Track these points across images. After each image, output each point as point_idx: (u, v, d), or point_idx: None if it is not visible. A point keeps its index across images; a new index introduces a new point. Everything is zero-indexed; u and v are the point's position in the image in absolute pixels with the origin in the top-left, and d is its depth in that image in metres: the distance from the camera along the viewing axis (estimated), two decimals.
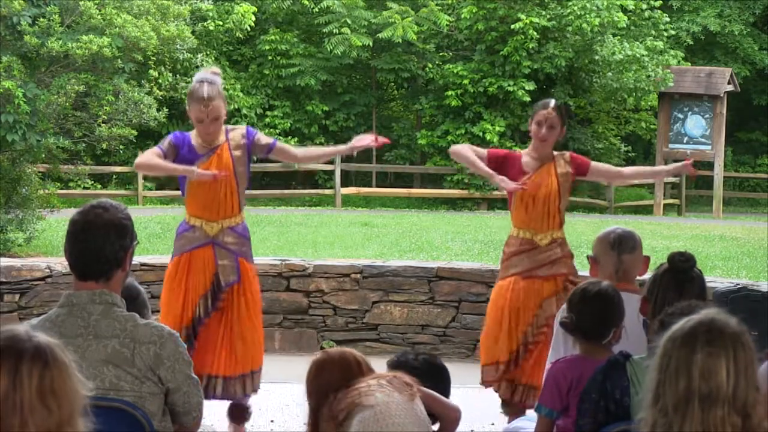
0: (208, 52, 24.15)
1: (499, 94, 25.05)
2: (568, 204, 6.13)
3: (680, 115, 25.22)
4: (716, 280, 8.70)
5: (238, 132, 5.80)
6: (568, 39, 25.14)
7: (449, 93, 25.30)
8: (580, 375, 3.79)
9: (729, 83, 25.07)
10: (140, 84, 16.24)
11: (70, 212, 3.62)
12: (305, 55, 25.88)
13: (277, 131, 25.51)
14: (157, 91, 18.49)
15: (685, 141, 25.20)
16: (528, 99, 24.68)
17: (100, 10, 14.98)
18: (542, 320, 5.83)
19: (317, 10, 25.91)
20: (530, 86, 24.69)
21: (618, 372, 3.46)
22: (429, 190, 25.70)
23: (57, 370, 2.19)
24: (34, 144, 13.48)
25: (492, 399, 6.15)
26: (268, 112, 25.87)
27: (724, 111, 25.13)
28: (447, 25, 26.08)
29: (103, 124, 14.38)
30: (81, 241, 3.33)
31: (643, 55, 24.72)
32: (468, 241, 15.49)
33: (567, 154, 6.08)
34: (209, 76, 5.73)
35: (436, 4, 26.09)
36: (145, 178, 23.07)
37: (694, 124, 25.10)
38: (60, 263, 8.45)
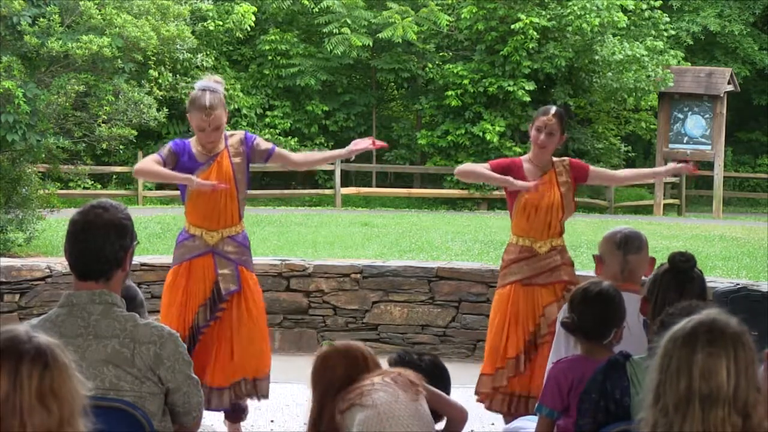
0: (208, 52, 24.15)
1: (499, 94, 25.05)
2: (573, 212, 6.10)
3: (680, 115, 25.22)
4: (716, 280, 8.70)
5: (236, 138, 5.79)
6: (568, 39, 25.14)
7: (449, 93, 25.30)
8: (581, 375, 3.79)
9: (729, 83, 25.07)
10: (140, 84, 16.24)
11: (70, 212, 3.62)
12: (305, 55, 25.88)
13: (277, 131, 25.52)
14: (157, 91, 18.50)
15: (685, 141, 25.19)
16: (528, 99, 24.69)
17: (100, 10, 14.98)
18: (545, 328, 5.83)
19: (317, 10, 25.92)
20: (530, 86, 24.69)
21: (618, 372, 3.46)
22: (429, 190, 25.70)
23: (57, 371, 2.19)
24: (34, 144, 13.48)
25: None
26: (268, 112, 25.88)
27: (724, 111, 25.13)
28: (447, 25, 26.08)
29: (103, 124, 14.37)
30: (81, 241, 3.33)
31: (643, 55, 24.72)
32: (468, 241, 15.49)
33: (566, 160, 6.08)
34: (212, 85, 5.72)
35: (436, 4, 26.09)
36: None
37: (694, 124, 25.10)
38: (60, 263, 8.45)
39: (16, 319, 8.08)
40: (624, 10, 25.32)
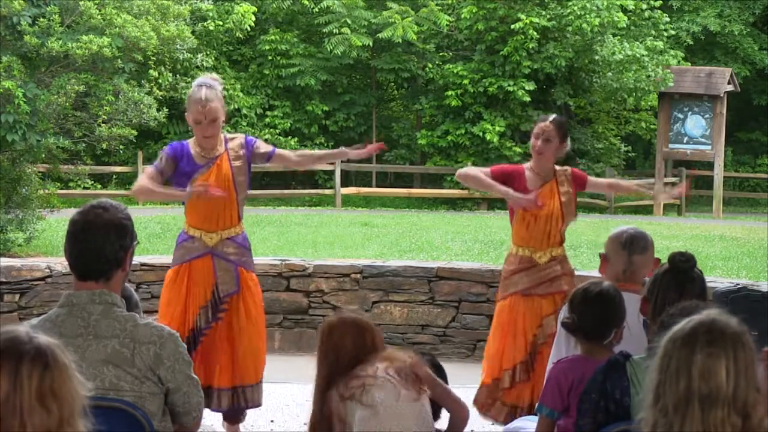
0: (208, 52, 24.15)
1: (499, 94, 25.05)
2: (574, 221, 6.05)
3: (680, 115, 25.22)
4: (716, 280, 8.69)
5: (237, 141, 5.79)
6: (568, 39, 25.14)
7: (449, 93, 25.30)
8: (582, 375, 3.79)
9: (729, 83, 25.06)
10: (140, 84, 16.24)
11: (70, 212, 3.62)
12: (305, 55, 25.89)
13: (277, 131, 25.53)
14: (157, 91, 18.49)
15: (685, 141, 25.19)
16: (528, 99, 24.69)
17: (100, 10, 14.98)
18: (541, 339, 5.83)
19: (317, 10, 25.92)
20: (530, 86, 24.69)
21: (618, 372, 3.46)
22: (429, 190, 25.70)
23: (57, 372, 2.19)
24: (34, 144, 13.48)
25: None
26: (268, 112, 25.88)
27: (724, 111, 25.13)
28: (447, 25, 26.08)
29: (103, 124, 14.38)
30: (81, 241, 3.33)
31: (643, 55, 24.71)
32: (468, 241, 15.49)
33: (569, 170, 6.05)
34: (208, 81, 5.77)
35: (436, 4, 26.09)
36: None
37: (694, 124, 25.09)
38: (60, 263, 8.45)
39: (16, 319, 8.08)
40: (624, 10, 25.32)
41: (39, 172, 14.68)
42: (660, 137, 25.50)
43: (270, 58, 25.97)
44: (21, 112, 13.28)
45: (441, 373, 4.16)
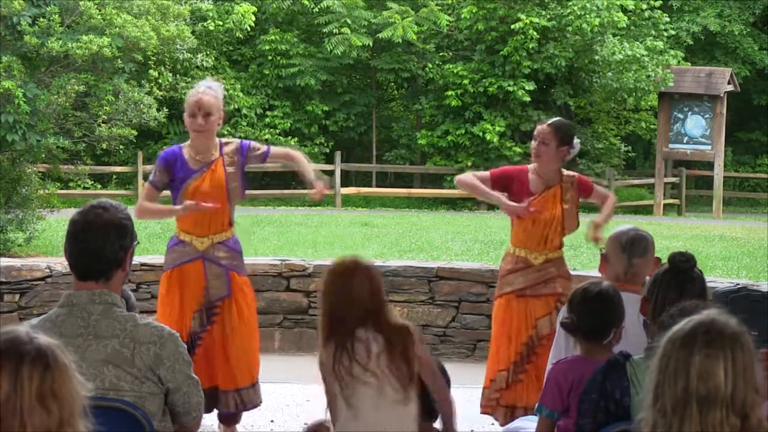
0: (208, 52, 24.15)
1: (499, 94, 25.05)
2: (574, 226, 5.96)
3: (680, 115, 25.22)
4: (716, 280, 8.69)
5: (232, 147, 5.78)
6: (568, 39, 25.14)
7: (449, 93, 25.30)
8: (581, 376, 3.79)
9: (729, 83, 25.07)
10: (140, 84, 16.24)
11: (70, 212, 3.62)
12: (305, 55, 25.88)
13: (277, 131, 25.53)
14: (157, 91, 18.50)
15: (685, 141, 25.19)
16: (528, 99, 24.69)
17: (100, 10, 14.98)
18: (536, 341, 5.83)
19: (317, 10, 25.92)
20: (530, 86, 24.69)
21: (618, 372, 3.46)
22: (429, 190, 25.70)
23: (58, 372, 2.19)
24: (34, 144, 13.48)
25: None
26: (268, 112, 25.87)
27: (724, 111, 25.13)
28: (447, 25, 26.08)
29: (103, 124, 14.37)
30: (81, 241, 3.33)
31: (643, 55, 24.71)
32: (468, 241, 15.49)
33: (575, 177, 5.99)
34: (209, 82, 5.82)
35: (436, 4, 26.09)
36: (145, 178, 23.07)
37: (694, 124, 25.10)
38: (60, 263, 8.45)
39: (16, 319, 8.08)
40: (624, 10, 25.32)
41: (39, 172, 14.68)
42: (660, 137, 25.51)
43: (270, 58, 25.97)
44: (21, 112, 13.28)
45: (443, 375, 4.14)
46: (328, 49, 25.38)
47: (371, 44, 25.74)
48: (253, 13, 25.07)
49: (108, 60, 14.69)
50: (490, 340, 6.12)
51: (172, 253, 5.78)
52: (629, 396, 3.41)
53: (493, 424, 6.25)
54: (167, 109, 16.96)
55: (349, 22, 25.48)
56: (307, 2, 25.78)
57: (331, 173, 24.88)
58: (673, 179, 26.24)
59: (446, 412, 3.90)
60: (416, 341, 3.73)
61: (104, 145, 15.06)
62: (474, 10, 25.19)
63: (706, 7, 29.69)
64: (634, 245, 4.61)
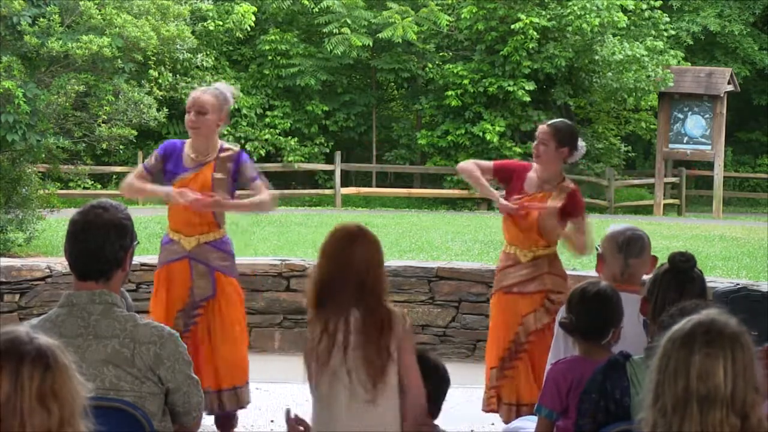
0: (208, 52, 24.14)
1: (499, 94, 25.05)
2: (557, 234, 5.82)
3: (680, 115, 25.22)
4: (716, 280, 8.69)
5: (228, 153, 5.73)
6: (568, 39, 25.14)
7: (449, 93, 25.29)
8: (581, 376, 3.79)
9: (729, 83, 25.07)
10: (140, 84, 16.24)
11: (70, 212, 3.62)
12: (305, 55, 25.88)
13: (277, 131, 25.53)
14: (157, 91, 18.49)
15: (685, 141, 25.19)
16: (528, 99, 24.69)
17: (100, 10, 14.97)
18: (522, 338, 5.83)
19: (317, 10, 25.91)
20: (530, 86, 24.69)
21: (618, 372, 3.46)
22: (429, 190, 25.69)
23: (58, 372, 2.19)
24: (34, 144, 13.48)
25: None
26: (268, 112, 25.87)
27: (724, 111, 25.13)
28: (447, 25, 26.08)
29: (103, 124, 14.37)
30: (81, 241, 3.33)
31: (643, 55, 24.71)
32: (468, 241, 15.49)
33: (570, 188, 5.87)
34: (219, 84, 5.91)
35: (436, 4, 26.09)
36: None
37: (694, 124, 25.10)
38: (60, 263, 8.44)
39: (16, 319, 8.08)
40: (624, 10, 25.32)
41: (39, 172, 14.67)
42: (660, 137, 25.51)
43: (270, 58, 25.97)
44: (21, 112, 13.27)
45: (432, 370, 4.06)
46: (328, 49, 25.38)
47: (371, 44, 25.73)
48: (253, 13, 25.07)
49: (108, 60, 14.68)
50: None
51: (163, 252, 5.83)
52: (629, 396, 3.41)
53: (493, 424, 6.26)
54: (167, 109, 16.95)
55: (349, 22, 25.48)
56: (307, 2, 25.78)
57: (331, 173, 24.90)
58: (673, 179, 26.24)
59: (413, 412, 3.68)
60: (400, 330, 3.58)
61: (104, 145, 15.05)
62: (474, 10, 25.19)
63: (706, 7, 29.69)
64: (630, 246, 4.60)
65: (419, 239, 15.44)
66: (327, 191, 24.73)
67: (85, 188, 20.35)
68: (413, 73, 26.69)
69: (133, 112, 14.66)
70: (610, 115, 27.93)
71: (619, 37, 25.41)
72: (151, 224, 16.52)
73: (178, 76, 22.79)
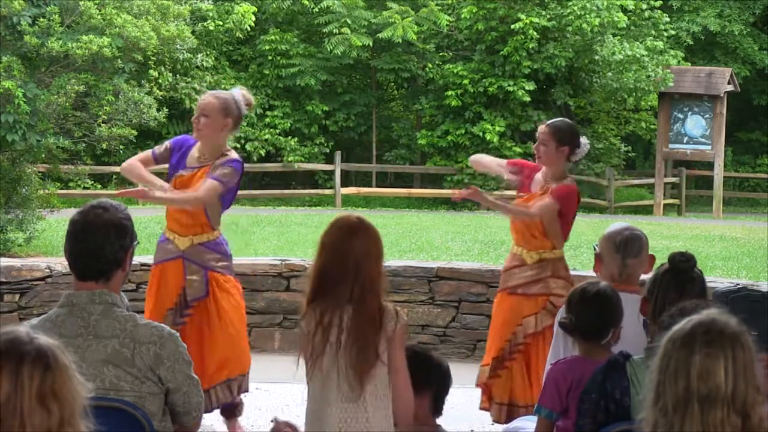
0: (208, 52, 24.14)
1: (499, 94, 25.04)
2: (559, 232, 5.84)
3: (680, 115, 25.21)
4: (716, 280, 8.69)
5: (224, 159, 5.71)
6: (568, 39, 25.14)
7: (449, 93, 25.29)
8: (580, 376, 3.79)
9: (729, 83, 25.06)
10: (140, 84, 16.23)
11: (70, 212, 3.62)
12: (305, 55, 25.88)
13: (277, 131, 25.52)
14: (157, 91, 18.49)
15: (685, 141, 25.19)
16: (528, 99, 24.68)
17: (100, 10, 14.97)
18: (519, 338, 5.84)
19: (317, 10, 25.91)
20: (530, 86, 24.68)
21: (618, 372, 3.46)
22: (429, 190, 25.69)
23: (58, 372, 2.19)
24: (34, 144, 13.47)
25: None
26: (268, 112, 25.87)
27: (724, 111, 25.12)
28: (447, 25, 26.07)
29: (103, 124, 14.36)
30: (81, 241, 3.33)
31: (643, 55, 24.71)
32: (468, 241, 15.49)
33: (566, 182, 5.87)
34: (236, 89, 5.90)
35: (436, 4, 26.08)
36: None
37: (694, 124, 25.09)
38: (60, 263, 8.45)
39: (16, 319, 8.08)
40: (624, 10, 25.31)
41: (39, 172, 14.66)
42: (660, 137, 25.50)
43: (270, 58, 25.96)
44: (21, 112, 13.27)
45: (429, 365, 4.04)
46: (328, 49, 25.37)
47: (371, 44, 25.73)
48: (253, 13, 25.06)
49: (108, 60, 14.67)
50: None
51: (158, 250, 5.86)
52: (629, 396, 3.41)
53: (493, 424, 6.26)
54: (167, 109, 16.95)
55: (349, 22, 25.48)
56: (307, 2, 25.77)
57: (331, 173, 24.89)
58: (673, 179, 26.24)
59: (400, 415, 3.65)
60: (390, 328, 3.54)
61: (104, 145, 15.05)
62: (474, 10, 25.18)
63: (706, 7, 29.69)
64: (628, 246, 4.59)
65: (419, 239, 15.44)
66: (327, 191, 24.73)
67: (85, 188, 20.33)
68: (413, 73, 26.69)
69: (133, 112, 14.66)
70: (610, 115, 27.92)
71: (619, 37, 25.41)
72: (151, 224, 16.51)
73: (178, 76, 22.79)
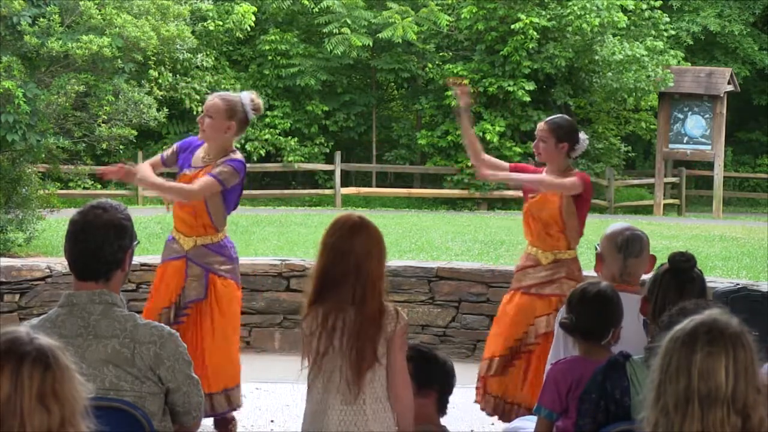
0: (208, 52, 24.15)
1: (499, 94, 25.05)
2: (577, 226, 5.88)
3: (680, 115, 25.22)
4: (716, 280, 8.69)
5: (224, 159, 5.69)
6: (568, 39, 25.14)
7: (449, 93, 25.25)
8: (580, 376, 3.79)
9: (729, 83, 25.06)
10: (140, 84, 16.23)
11: (70, 212, 3.62)
12: (305, 55, 25.88)
13: (277, 131, 25.52)
14: (157, 91, 18.48)
15: (685, 141, 25.19)
16: (528, 99, 24.68)
17: (100, 10, 14.97)
18: (531, 338, 5.84)
19: (317, 10, 25.91)
20: (530, 86, 24.68)
21: (618, 372, 3.46)
22: (429, 190, 25.70)
23: (59, 373, 2.20)
24: (34, 144, 13.47)
25: None
26: (268, 112, 25.87)
27: (724, 111, 25.13)
28: (447, 25, 26.07)
29: (103, 124, 14.36)
30: (80, 241, 3.33)
31: (643, 55, 24.71)
32: (468, 241, 15.49)
33: (573, 172, 5.95)
34: (247, 92, 5.89)
35: (436, 4, 26.08)
36: None
37: (694, 124, 25.10)
38: (60, 263, 8.45)
39: (16, 319, 8.08)
40: (624, 10, 25.31)
41: (39, 172, 14.67)
42: (660, 137, 25.50)
43: (270, 58, 25.96)
44: (21, 112, 13.27)
45: (433, 365, 4.04)
46: (328, 49, 25.37)
47: (371, 44, 25.73)
48: (253, 13, 25.07)
49: (108, 60, 14.67)
50: (494, 322, 6.16)
51: (165, 249, 5.87)
52: (629, 396, 3.41)
53: (492, 424, 6.26)
54: (167, 109, 16.95)
55: (349, 22, 25.48)
56: (307, 2, 25.77)
57: (331, 173, 24.90)
58: (673, 179, 26.24)
59: (400, 418, 3.63)
60: (389, 328, 3.53)
61: (104, 145, 15.05)
62: (474, 10, 25.18)
63: (706, 7, 29.69)
64: (630, 246, 4.59)
65: (419, 239, 15.44)
66: (327, 191, 24.73)
67: (85, 188, 20.32)
68: (413, 73, 26.69)
69: (133, 112, 14.66)
70: (610, 115, 27.92)
71: (619, 37, 25.41)
72: (151, 224, 16.52)
73: (178, 76, 22.79)
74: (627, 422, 3.34)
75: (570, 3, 24.58)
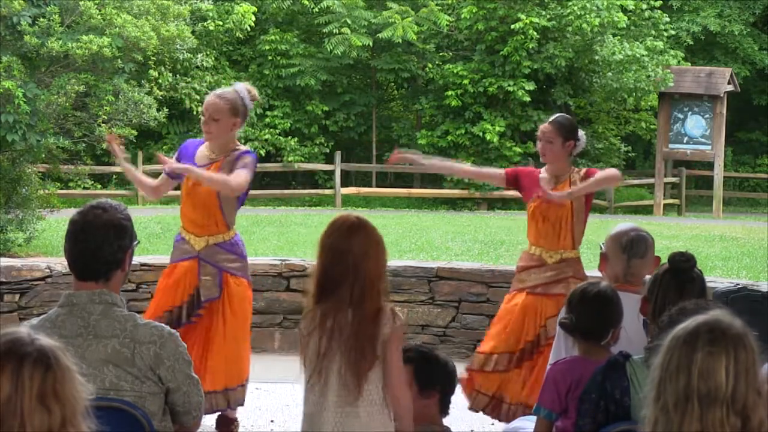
0: (208, 52, 24.14)
1: (499, 94, 25.05)
2: (584, 225, 5.92)
3: (680, 115, 25.21)
4: (716, 280, 8.69)
5: (236, 154, 5.70)
6: (568, 39, 25.14)
7: (449, 93, 25.29)
8: (580, 376, 3.79)
9: (729, 83, 25.06)
10: (140, 84, 16.23)
11: (70, 212, 3.62)
12: (305, 55, 25.88)
13: (277, 131, 25.53)
14: (157, 91, 18.48)
15: (685, 141, 25.19)
16: (528, 99, 24.68)
17: (100, 10, 14.97)
18: (543, 340, 5.82)
19: (317, 10, 25.91)
20: (530, 86, 24.68)
21: (618, 372, 3.46)
22: (429, 190, 25.70)
23: (60, 373, 2.20)
24: (34, 144, 13.47)
25: None
26: (268, 112, 25.87)
27: (724, 111, 25.12)
28: (447, 25, 26.07)
29: (103, 124, 14.36)
30: (80, 241, 3.33)
31: (643, 55, 24.71)
32: (468, 241, 15.49)
33: (583, 170, 5.97)
34: (238, 84, 5.85)
35: (436, 4, 26.08)
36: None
37: (694, 124, 25.09)
38: (60, 263, 8.44)
39: (16, 319, 8.08)
40: (624, 10, 25.31)
41: (39, 172, 14.67)
42: (660, 137, 25.50)
43: (270, 58, 25.97)
44: (21, 112, 13.27)
45: (434, 366, 4.04)
46: (328, 49, 25.37)
47: (371, 44, 25.73)
48: (253, 13, 25.07)
49: (108, 60, 14.67)
50: (494, 322, 6.12)
51: (175, 250, 5.83)
52: (629, 396, 3.41)
53: (492, 424, 6.26)
54: (167, 109, 16.95)
55: (349, 22, 25.48)
56: (307, 2, 25.77)
57: (331, 173, 24.90)
58: (673, 179, 26.24)
59: (399, 417, 3.62)
60: (386, 329, 3.51)
61: (104, 145, 15.04)
62: (474, 10, 25.18)
63: (706, 7, 29.69)
64: (634, 247, 4.60)
65: (419, 239, 15.44)
66: (327, 191, 24.73)
67: (85, 188, 20.32)
68: (413, 73, 26.69)
69: (133, 112, 14.66)
70: (610, 115, 27.92)
71: (619, 37, 25.41)
72: (151, 224, 16.53)
73: (178, 76, 22.79)
74: (627, 422, 3.34)
75: (570, 3, 24.58)
